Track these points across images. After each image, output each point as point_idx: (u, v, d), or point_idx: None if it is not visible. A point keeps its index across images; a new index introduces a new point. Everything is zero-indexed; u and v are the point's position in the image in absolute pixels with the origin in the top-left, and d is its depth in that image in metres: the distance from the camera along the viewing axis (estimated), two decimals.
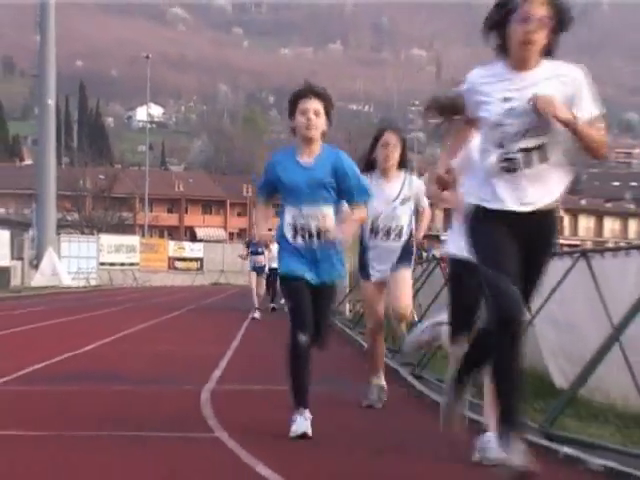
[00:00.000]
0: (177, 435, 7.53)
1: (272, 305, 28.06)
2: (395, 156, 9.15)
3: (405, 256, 9.38)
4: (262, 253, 24.72)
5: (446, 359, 12.58)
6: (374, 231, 9.23)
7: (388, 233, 9.29)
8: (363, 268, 9.40)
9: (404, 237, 9.29)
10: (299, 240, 7.44)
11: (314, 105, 7.42)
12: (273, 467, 6.14)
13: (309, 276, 7.47)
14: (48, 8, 56.94)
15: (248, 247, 25.18)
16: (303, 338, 7.51)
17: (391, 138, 9.14)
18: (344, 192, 7.52)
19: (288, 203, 7.56)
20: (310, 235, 7.42)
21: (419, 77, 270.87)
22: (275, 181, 7.63)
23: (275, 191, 7.76)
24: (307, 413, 7.60)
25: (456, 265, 6.91)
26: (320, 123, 7.48)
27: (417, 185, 9.30)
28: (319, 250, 7.46)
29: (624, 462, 6.13)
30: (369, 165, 9.16)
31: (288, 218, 7.52)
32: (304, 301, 7.53)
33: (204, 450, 6.92)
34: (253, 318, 23.36)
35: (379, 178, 9.10)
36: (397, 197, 9.24)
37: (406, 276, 9.63)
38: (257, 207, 8.45)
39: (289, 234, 7.48)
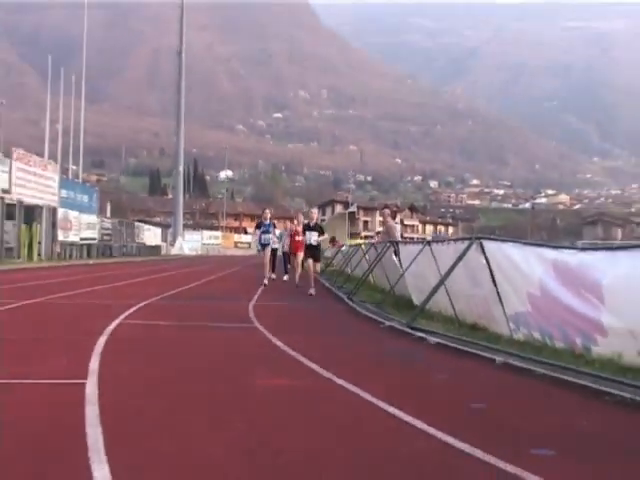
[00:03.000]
0: (236, 325, 7.42)
1: (285, 277, 17.92)
2: None
3: None
4: (270, 232, 15.19)
5: (366, 290, 12.55)
6: None
7: None
8: None
9: None
10: None
11: None
12: (284, 341, 6.07)
13: None
14: (180, 124, 57.29)
15: (258, 227, 15.47)
16: None
17: None
18: None
19: None
20: None
21: (352, 159, 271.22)
22: None
23: None
24: None
25: None
26: None
27: None
28: None
29: (446, 340, 6.09)
30: None
31: None
32: None
33: (249, 332, 6.83)
34: (264, 285, 14.60)
35: None
36: None
37: None
38: None
39: None
